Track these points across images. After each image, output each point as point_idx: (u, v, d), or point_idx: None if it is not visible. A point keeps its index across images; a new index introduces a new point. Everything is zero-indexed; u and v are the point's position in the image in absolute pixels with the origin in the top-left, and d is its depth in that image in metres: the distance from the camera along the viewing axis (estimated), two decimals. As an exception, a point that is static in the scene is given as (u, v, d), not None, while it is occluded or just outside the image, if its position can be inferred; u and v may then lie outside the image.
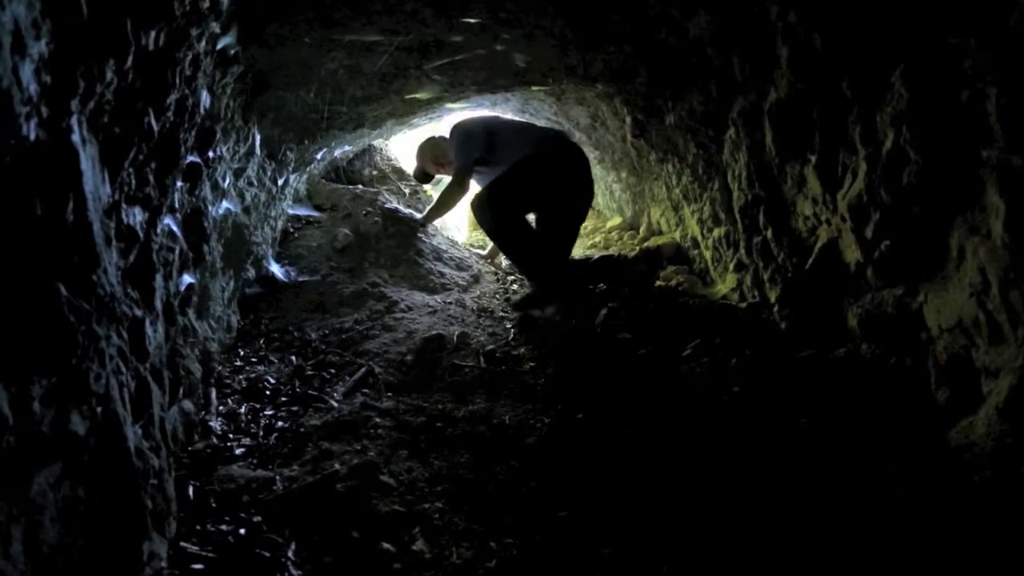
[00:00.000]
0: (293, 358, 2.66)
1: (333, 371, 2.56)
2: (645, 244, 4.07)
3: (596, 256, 3.51)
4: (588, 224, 5.10)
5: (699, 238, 3.48)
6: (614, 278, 3.51)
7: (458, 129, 3.77)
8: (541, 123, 4.55)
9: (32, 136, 0.84)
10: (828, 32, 1.77)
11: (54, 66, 0.89)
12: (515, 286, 3.72)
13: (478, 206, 3.45)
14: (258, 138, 2.81)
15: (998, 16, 1.28)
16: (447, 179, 4.02)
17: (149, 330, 1.37)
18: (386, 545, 1.55)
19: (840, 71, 1.81)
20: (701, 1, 2.05)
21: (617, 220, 5.01)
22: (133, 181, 1.26)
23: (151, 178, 1.36)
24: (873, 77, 1.71)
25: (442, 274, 3.67)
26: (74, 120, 0.97)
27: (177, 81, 1.36)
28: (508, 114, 4.62)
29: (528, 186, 3.46)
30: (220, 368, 2.41)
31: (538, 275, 3.42)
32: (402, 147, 5.74)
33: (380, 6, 2.14)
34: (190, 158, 1.80)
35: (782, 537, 1.50)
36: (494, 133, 3.65)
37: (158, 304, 1.48)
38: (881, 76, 1.67)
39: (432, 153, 4.08)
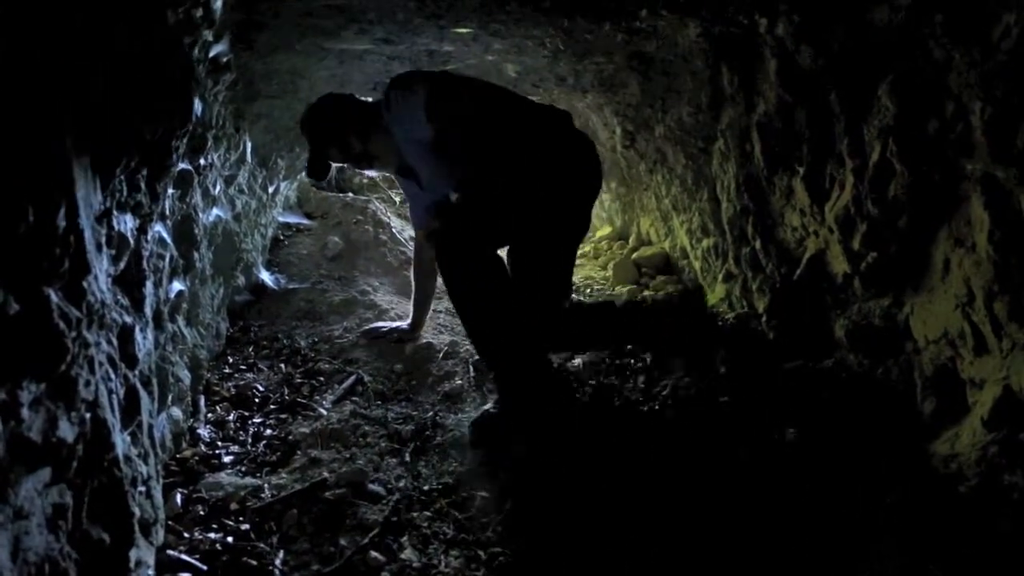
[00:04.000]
0: (282, 366, 2.65)
1: (322, 379, 2.55)
2: (669, 292, 3.55)
3: (620, 302, 2.88)
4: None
5: (688, 248, 3.49)
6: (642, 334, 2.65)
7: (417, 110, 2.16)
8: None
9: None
10: (815, 45, 1.80)
11: (46, 73, 0.89)
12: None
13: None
14: (249, 145, 2.81)
15: (982, 30, 1.30)
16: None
17: (139, 337, 1.36)
18: (374, 554, 1.55)
19: (827, 84, 1.84)
20: (690, 13, 2.07)
21: (607, 230, 5.02)
22: (124, 188, 1.26)
23: (142, 185, 1.36)
24: (860, 90, 1.73)
25: (433, 282, 3.66)
26: (66, 126, 0.97)
27: (169, 89, 1.36)
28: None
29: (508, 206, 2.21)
30: (209, 375, 2.39)
31: (508, 380, 2.22)
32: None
33: (372, 16, 2.14)
34: (181, 165, 1.79)
35: (768, 543, 1.51)
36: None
37: (148, 311, 1.47)
38: (868, 89, 1.70)
39: (350, 128, 2.34)
